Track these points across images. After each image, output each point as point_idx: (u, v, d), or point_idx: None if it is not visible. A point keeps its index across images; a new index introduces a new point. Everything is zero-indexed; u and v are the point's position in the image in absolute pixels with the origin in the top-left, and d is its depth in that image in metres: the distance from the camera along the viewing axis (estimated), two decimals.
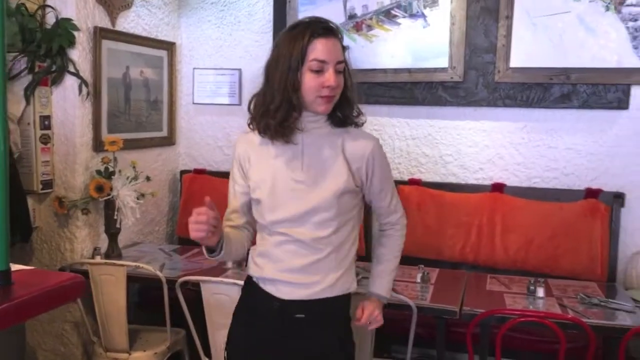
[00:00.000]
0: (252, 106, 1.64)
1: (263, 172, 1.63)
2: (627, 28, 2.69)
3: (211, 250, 1.56)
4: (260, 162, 1.64)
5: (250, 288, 1.69)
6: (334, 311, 1.65)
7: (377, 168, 1.65)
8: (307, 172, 1.59)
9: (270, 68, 1.58)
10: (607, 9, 2.70)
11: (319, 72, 1.51)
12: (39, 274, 1.01)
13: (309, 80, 1.52)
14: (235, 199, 1.70)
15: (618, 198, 2.78)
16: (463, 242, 2.94)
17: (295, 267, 1.59)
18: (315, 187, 1.58)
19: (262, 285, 1.64)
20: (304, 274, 1.59)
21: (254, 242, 1.74)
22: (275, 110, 1.55)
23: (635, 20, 2.67)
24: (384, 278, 1.78)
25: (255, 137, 1.65)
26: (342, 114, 1.62)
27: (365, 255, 3.04)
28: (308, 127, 1.60)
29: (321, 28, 1.53)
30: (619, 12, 2.69)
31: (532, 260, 2.82)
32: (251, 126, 1.66)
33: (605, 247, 2.74)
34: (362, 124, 1.67)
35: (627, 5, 2.68)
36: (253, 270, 1.67)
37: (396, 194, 1.77)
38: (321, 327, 1.63)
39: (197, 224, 1.42)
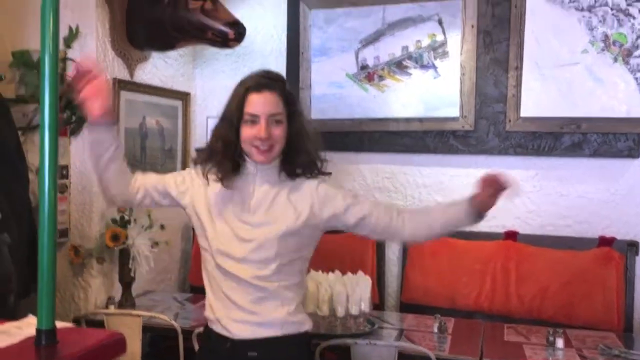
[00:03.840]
0: (197, 155, 1.78)
1: (215, 206, 1.68)
2: (636, 79, 2.74)
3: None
4: (210, 195, 1.70)
5: (206, 330, 1.75)
6: (288, 352, 1.67)
7: (325, 198, 1.69)
8: (254, 214, 1.66)
9: (221, 116, 1.71)
10: (615, 60, 2.76)
11: (252, 123, 1.62)
12: (79, 332, 1.02)
13: (244, 132, 1.64)
14: (156, 177, 1.79)
15: (632, 246, 2.78)
16: (478, 291, 2.92)
17: (240, 304, 1.64)
18: (259, 228, 1.64)
19: (214, 327, 1.69)
20: (249, 312, 1.63)
21: None
22: (214, 156, 1.67)
23: None
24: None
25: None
26: (292, 164, 1.69)
27: (379, 303, 3.04)
28: (262, 172, 1.69)
29: (256, 83, 1.64)
30: (627, 63, 2.75)
31: (547, 309, 2.79)
32: (196, 165, 1.75)
33: (620, 296, 2.72)
34: (318, 173, 1.72)
35: (636, 57, 2.74)
36: (207, 312, 1.74)
37: (370, 199, 1.78)
38: None
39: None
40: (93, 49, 2.68)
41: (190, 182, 1.74)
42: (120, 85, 2.81)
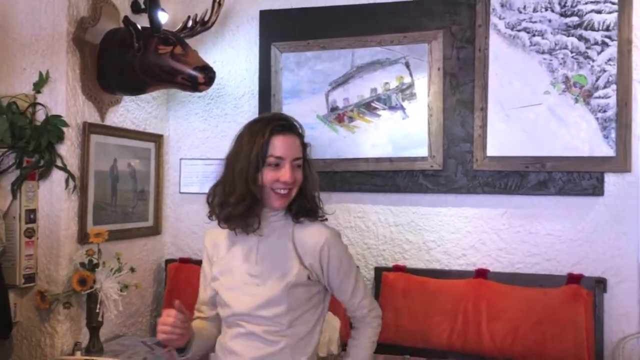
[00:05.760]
0: (210, 198, 1.69)
1: (222, 264, 1.68)
2: (597, 119, 2.81)
3: (180, 350, 1.58)
4: (222, 253, 1.70)
5: None
6: None
7: (332, 262, 1.64)
8: (260, 265, 1.62)
9: (231, 160, 1.63)
10: (577, 101, 2.84)
11: (276, 166, 1.58)
12: None
13: (266, 175, 1.58)
14: (204, 291, 1.75)
15: (600, 283, 2.81)
16: (450, 330, 2.91)
17: None
18: (266, 280, 1.60)
19: None
20: None
21: None
22: (237, 203, 1.59)
23: (604, 111, 2.80)
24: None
25: (220, 229, 1.71)
26: (299, 207, 1.66)
27: None
28: (267, 220, 1.65)
29: (280, 125, 1.60)
30: (587, 104, 2.82)
31: (519, 347, 2.80)
32: (212, 218, 1.70)
33: (590, 333, 2.73)
34: (321, 218, 1.70)
35: (596, 98, 2.82)
36: None
37: (362, 287, 1.73)
38: None
39: (164, 326, 1.47)
40: (63, 93, 2.69)
41: (214, 258, 1.72)
42: (91, 128, 2.82)
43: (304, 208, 1.66)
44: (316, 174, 1.70)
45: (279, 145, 1.57)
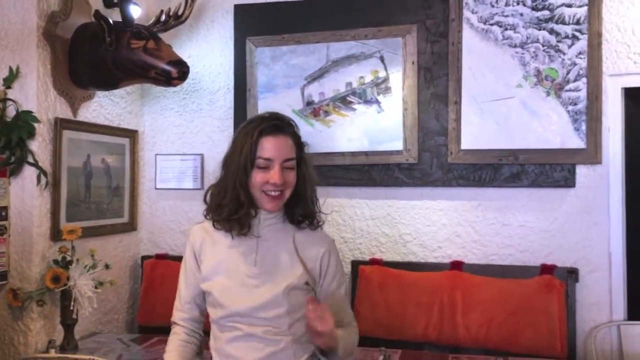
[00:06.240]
0: (208, 197, 1.68)
1: (215, 264, 1.64)
2: (568, 112, 2.85)
3: None
4: (213, 252, 1.66)
5: None
6: None
7: (330, 269, 1.66)
8: (259, 267, 1.60)
9: (227, 162, 1.63)
10: (548, 94, 2.87)
11: (265, 168, 1.56)
12: None
13: (255, 177, 1.56)
14: (187, 289, 1.71)
15: (572, 273, 2.85)
16: (425, 322, 2.94)
17: None
18: (266, 282, 1.58)
19: None
20: None
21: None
22: (225, 205, 1.59)
23: (575, 104, 2.84)
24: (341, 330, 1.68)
25: (210, 226, 1.68)
26: (297, 212, 1.64)
27: None
28: (265, 222, 1.63)
29: (271, 125, 1.57)
30: (559, 97, 2.86)
31: (493, 337, 2.83)
32: (207, 217, 1.69)
33: (563, 323, 2.78)
34: (319, 224, 1.68)
35: (567, 91, 2.85)
36: None
37: (348, 301, 1.76)
38: None
39: None
40: (34, 88, 2.66)
41: (201, 256, 1.68)
42: (63, 124, 2.79)
43: (305, 214, 1.64)
44: (314, 174, 1.67)
45: (268, 147, 1.55)
